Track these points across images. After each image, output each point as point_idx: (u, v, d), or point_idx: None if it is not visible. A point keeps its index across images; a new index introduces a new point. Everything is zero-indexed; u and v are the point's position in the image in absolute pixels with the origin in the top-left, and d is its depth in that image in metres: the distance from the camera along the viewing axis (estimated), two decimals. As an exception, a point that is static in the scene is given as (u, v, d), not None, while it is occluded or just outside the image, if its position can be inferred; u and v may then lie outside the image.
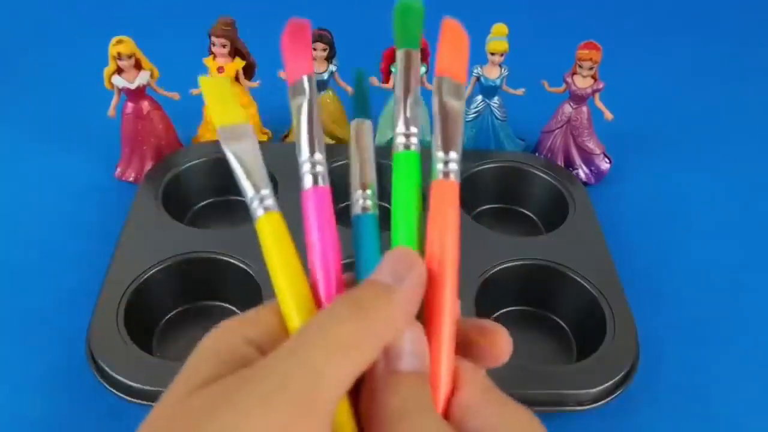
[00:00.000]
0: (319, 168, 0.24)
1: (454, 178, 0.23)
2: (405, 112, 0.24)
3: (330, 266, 0.23)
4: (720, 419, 0.50)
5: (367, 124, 0.27)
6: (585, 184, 0.67)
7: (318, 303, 0.23)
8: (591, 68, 0.63)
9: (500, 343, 0.23)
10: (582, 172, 0.68)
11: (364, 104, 0.27)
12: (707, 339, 0.55)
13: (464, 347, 0.23)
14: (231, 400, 0.18)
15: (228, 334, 0.21)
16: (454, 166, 0.23)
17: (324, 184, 0.24)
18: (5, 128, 0.72)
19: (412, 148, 0.24)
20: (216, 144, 0.67)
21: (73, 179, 0.65)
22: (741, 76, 0.89)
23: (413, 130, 0.24)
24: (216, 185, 0.63)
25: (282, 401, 0.18)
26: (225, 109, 0.26)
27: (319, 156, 0.24)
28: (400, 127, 0.24)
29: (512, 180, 0.65)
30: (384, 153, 0.65)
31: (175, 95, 0.64)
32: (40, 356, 0.50)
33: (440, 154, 0.23)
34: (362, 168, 0.25)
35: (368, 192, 0.25)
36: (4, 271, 0.56)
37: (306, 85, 0.25)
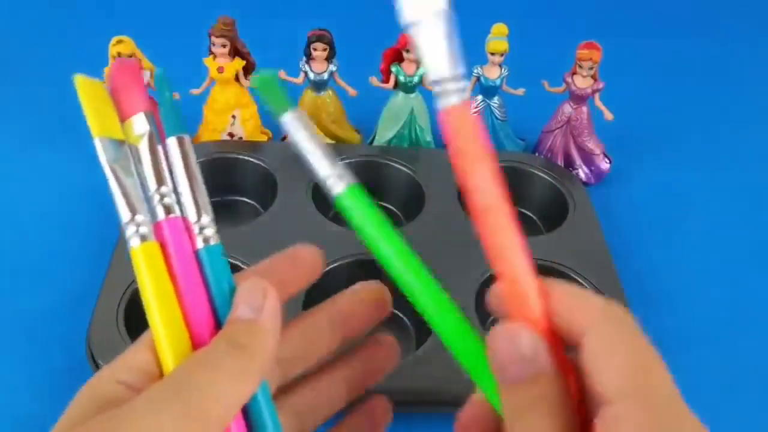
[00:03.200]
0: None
1: None
2: (324, 162, 0.24)
3: (196, 307, 0.23)
4: (720, 419, 0.49)
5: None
6: (585, 184, 0.67)
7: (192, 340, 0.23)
8: (591, 68, 0.63)
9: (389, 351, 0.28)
10: (582, 172, 0.68)
11: (173, 114, 0.25)
12: (707, 339, 0.55)
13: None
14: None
15: (101, 380, 0.22)
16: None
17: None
18: (4, 128, 0.72)
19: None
20: (216, 144, 0.67)
21: (73, 179, 0.65)
22: (741, 76, 0.89)
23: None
24: (216, 185, 0.63)
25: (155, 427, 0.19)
26: (103, 119, 0.24)
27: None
28: (327, 174, 0.24)
29: (512, 180, 0.64)
30: (385, 152, 0.64)
31: (175, 95, 0.64)
32: (40, 356, 0.50)
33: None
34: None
35: (207, 220, 0.24)
36: (4, 271, 0.56)
37: (144, 122, 0.24)
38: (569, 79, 0.64)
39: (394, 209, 0.64)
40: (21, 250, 0.58)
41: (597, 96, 0.65)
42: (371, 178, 0.64)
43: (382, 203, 0.64)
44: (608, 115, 0.65)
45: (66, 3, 0.93)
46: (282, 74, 0.65)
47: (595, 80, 0.64)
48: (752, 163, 0.74)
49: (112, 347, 0.46)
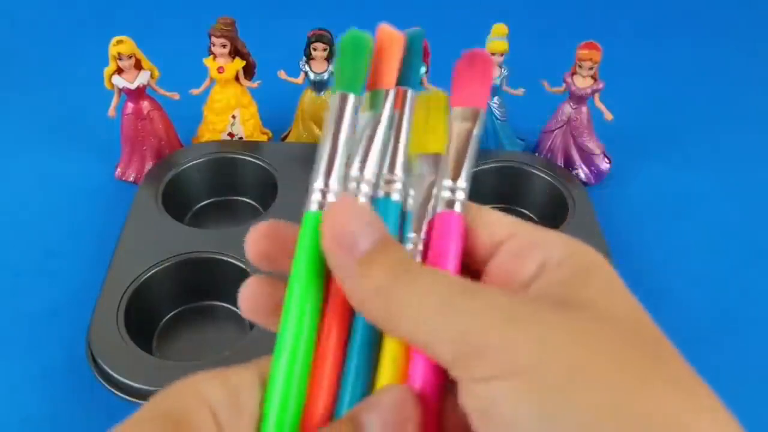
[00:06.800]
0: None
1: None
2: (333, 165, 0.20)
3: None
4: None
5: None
6: (585, 184, 0.67)
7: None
8: (591, 68, 0.63)
9: None
10: (582, 172, 0.68)
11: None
12: (707, 339, 0.55)
13: None
14: None
15: (186, 391, 0.19)
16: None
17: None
18: (5, 128, 0.72)
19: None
20: (216, 144, 0.67)
21: (73, 179, 0.65)
22: (741, 76, 0.89)
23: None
24: (216, 185, 0.63)
25: None
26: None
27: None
28: (319, 182, 0.20)
29: (512, 180, 0.65)
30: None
31: (175, 95, 0.64)
32: (40, 356, 0.50)
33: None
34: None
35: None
36: (5, 271, 0.56)
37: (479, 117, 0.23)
38: (569, 79, 0.64)
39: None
40: (21, 250, 0.58)
41: (597, 96, 0.65)
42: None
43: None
44: (608, 115, 0.65)
45: (66, 3, 0.93)
46: (282, 74, 0.65)
47: (595, 80, 0.64)
48: (752, 163, 0.74)
49: (112, 347, 0.46)
